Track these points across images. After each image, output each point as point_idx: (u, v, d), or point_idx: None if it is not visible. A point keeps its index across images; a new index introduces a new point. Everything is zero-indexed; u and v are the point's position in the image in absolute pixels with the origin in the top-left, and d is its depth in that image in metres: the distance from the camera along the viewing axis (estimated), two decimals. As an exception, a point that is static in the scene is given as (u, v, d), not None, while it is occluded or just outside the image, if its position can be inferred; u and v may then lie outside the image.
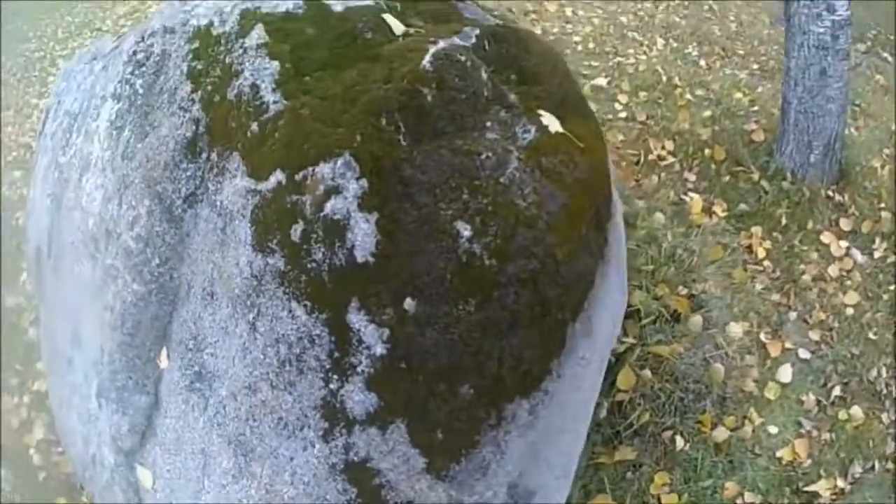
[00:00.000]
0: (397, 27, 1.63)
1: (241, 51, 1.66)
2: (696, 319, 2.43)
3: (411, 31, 1.64)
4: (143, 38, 1.91)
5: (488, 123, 1.61)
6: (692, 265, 2.56)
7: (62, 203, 2.14)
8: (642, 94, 3.62)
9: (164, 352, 1.82)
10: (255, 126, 1.56)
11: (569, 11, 4.74)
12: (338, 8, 1.65)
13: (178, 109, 1.72)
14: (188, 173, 1.70)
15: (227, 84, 1.65)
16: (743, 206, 2.99)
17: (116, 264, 1.85)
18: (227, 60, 1.67)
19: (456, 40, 1.63)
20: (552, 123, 1.66)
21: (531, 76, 1.72)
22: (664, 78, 3.77)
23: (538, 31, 4.38)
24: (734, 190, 3.07)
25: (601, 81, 3.70)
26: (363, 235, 1.43)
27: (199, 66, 1.73)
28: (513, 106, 1.66)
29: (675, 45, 4.44)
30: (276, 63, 1.60)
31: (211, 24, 1.77)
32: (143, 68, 1.88)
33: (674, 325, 2.40)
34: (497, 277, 1.51)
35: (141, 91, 1.86)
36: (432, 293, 1.47)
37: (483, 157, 1.55)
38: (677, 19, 4.85)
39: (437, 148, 1.52)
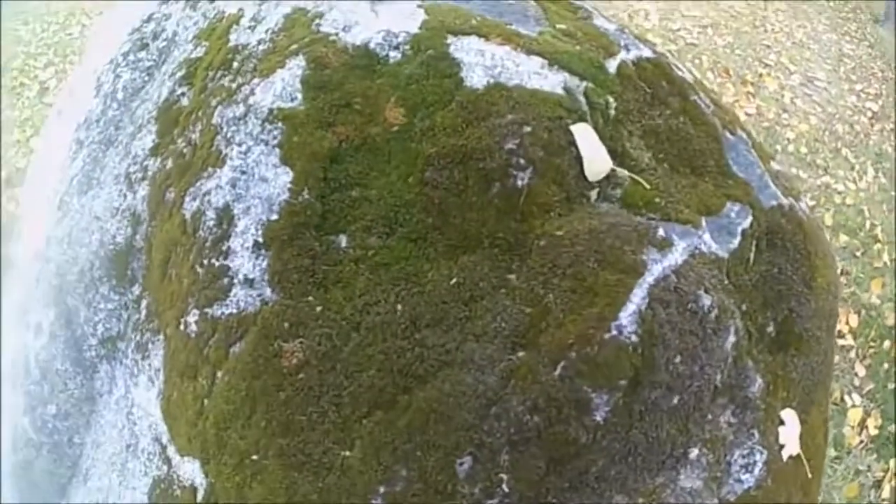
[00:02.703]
0: (599, 163, 0.64)
1: (242, 106, 0.76)
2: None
3: (623, 176, 0.64)
4: (168, -3, 1.07)
5: (693, 452, 0.63)
6: (829, 508, 2.37)
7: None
8: (843, 237, 3.45)
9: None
10: (194, 318, 0.68)
11: (787, 97, 4.47)
12: (476, 80, 0.66)
13: (124, 177, 0.88)
14: (109, 305, 0.87)
15: (198, 173, 0.76)
16: (893, 429, 2.80)
17: (16, 363, 1.13)
18: (217, 118, 0.78)
19: (706, 241, 0.62)
20: (791, 442, 0.82)
21: (798, 335, 0.73)
22: (867, 224, 3.63)
23: (752, 108, 4.15)
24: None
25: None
26: None
27: (183, 103, 0.85)
28: (749, 405, 0.68)
29: (883, 180, 4.18)
30: (286, 176, 0.68)
31: (238, 17, 0.87)
32: (142, 55, 1.05)
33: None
34: None
35: (120, 96, 1.03)
36: None
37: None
38: (889, 149, 4.56)
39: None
